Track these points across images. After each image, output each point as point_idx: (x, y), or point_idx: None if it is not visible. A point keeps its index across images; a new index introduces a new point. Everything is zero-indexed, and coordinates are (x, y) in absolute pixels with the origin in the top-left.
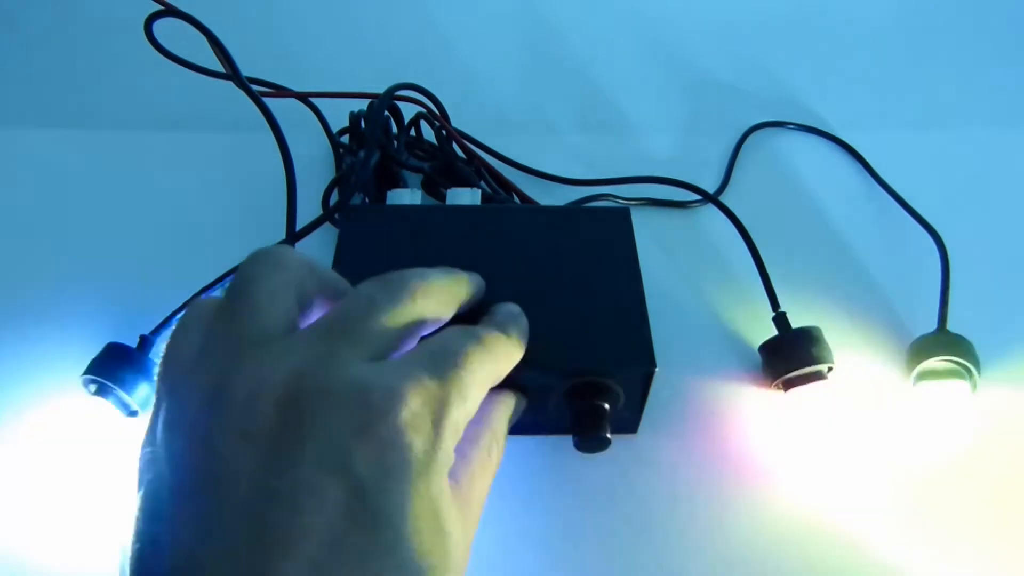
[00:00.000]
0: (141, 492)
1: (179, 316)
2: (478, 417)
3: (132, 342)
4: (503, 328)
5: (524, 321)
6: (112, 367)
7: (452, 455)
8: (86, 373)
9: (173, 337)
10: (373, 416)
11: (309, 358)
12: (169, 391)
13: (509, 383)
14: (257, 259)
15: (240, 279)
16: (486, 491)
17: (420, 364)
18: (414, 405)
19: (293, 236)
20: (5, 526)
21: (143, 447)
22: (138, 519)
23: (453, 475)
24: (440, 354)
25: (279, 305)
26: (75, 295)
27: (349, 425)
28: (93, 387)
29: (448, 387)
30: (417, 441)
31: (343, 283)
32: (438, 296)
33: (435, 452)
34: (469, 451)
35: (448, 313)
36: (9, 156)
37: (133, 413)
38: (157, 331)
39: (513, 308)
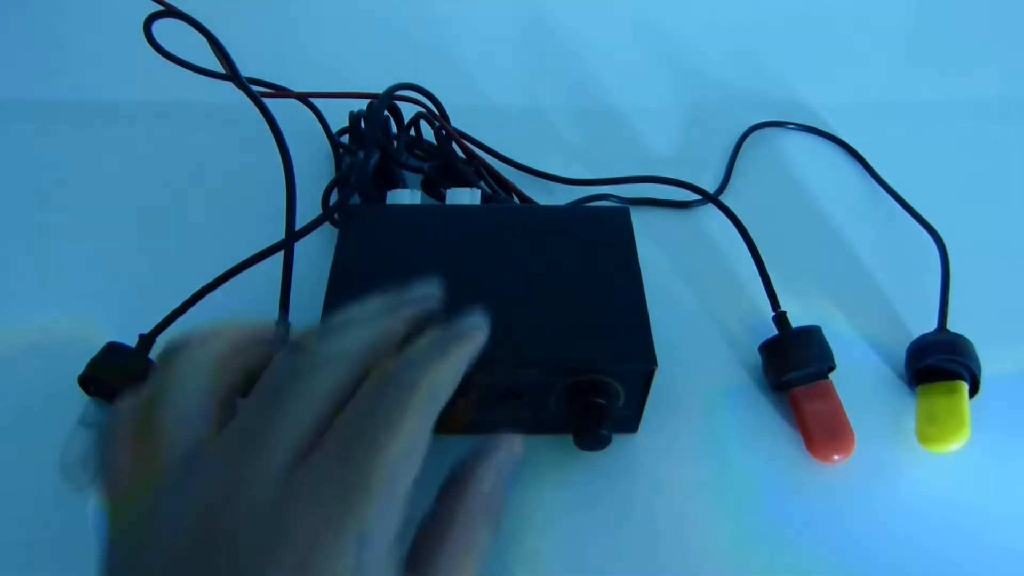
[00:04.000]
0: None
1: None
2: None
3: (132, 342)
4: (437, 357)
5: (469, 330)
6: (111, 367)
7: (388, 562)
8: (85, 373)
9: (102, 457)
10: (283, 552)
11: (217, 489)
12: (106, 520)
13: (510, 385)
14: (167, 362)
15: (152, 392)
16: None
17: (329, 481)
18: (323, 543)
19: (292, 236)
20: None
21: None
22: None
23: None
24: (352, 463)
25: (192, 418)
26: (75, 295)
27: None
28: (92, 387)
29: (362, 509)
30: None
31: (270, 336)
32: (370, 337)
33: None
34: (437, 552)
35: (382, 342)
36: (10, 156)
37: None
38: (157, 331)
39: (464, 324)
